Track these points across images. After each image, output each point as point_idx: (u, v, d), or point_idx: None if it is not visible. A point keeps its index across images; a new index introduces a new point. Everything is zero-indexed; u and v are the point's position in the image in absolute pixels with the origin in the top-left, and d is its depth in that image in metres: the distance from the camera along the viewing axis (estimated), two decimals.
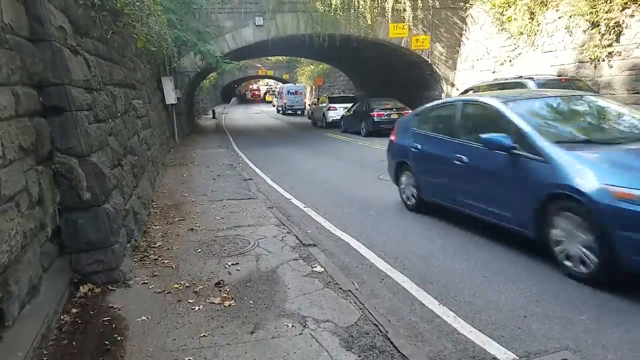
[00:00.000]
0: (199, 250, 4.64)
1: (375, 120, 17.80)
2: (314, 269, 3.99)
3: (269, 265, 4.18)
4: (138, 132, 7.20)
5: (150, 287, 3.77)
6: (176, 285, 3.78)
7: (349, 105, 22.45)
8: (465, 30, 21.83)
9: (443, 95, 22.57)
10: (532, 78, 10.20)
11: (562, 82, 10.26)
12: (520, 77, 11.04)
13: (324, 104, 24.32)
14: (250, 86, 79.69)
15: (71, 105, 3.60)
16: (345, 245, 4.95)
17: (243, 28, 19.82)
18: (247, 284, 3.78)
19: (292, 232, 5.13)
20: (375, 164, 10.73)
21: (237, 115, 40.22)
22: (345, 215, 6.25)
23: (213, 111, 35.48)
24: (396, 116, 18.24)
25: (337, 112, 22.58)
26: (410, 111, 17.54)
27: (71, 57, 3.87)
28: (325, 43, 20.23)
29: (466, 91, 12.41)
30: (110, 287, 3.74)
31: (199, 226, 5.61)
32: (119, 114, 5.67)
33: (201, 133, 22.15)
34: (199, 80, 26.61)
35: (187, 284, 3.81)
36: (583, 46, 14.17)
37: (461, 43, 22.02)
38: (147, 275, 3.99)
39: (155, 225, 5.69)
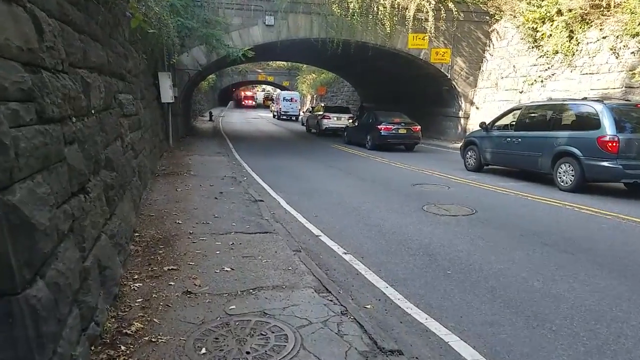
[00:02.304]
0: (203, 349, 2.72)
1: (382, 134, 16.38)
2: None
3: None
4: (122, 135, 5.34)
5: None
6: None
7: (343, 115, 23.21)
8: (489, 46, 20.33)
9: (460, 112, 20.98)
10: (602, 101, 8.52)
11: (638, 107, 8.61)
12: (585, 98, 9.36)
13: (319, 113, 24.64)
14: (244, 92, 70.72)
15: None
16: (448, 352, 2.96)
17: (252, 27, 18.12)
18: None
19: (349, 313, 3.25)
20: (407, 188, 8.94)
21: (235, 119, 38.43)
22: (412, 275, 4.41)
23: (210, 113, 34.03)
24: (404, 131, 16.77)
25: (331, 120, 23.15)
26: (419, 127, 16.44)
27: None
28: (339, 49, 18.54)
29: (511, 111, 10.72)
30: None
31: (199, 286, 3.74)
32: (93, 111, 3.83)
33: (198, 136, 20.22)
34: (199, 80, 24.80)
35: None
36: (633, 70, 12.65)
37: (484, 59, 20.48)
38: None
39: (134, 279, 3.82)
